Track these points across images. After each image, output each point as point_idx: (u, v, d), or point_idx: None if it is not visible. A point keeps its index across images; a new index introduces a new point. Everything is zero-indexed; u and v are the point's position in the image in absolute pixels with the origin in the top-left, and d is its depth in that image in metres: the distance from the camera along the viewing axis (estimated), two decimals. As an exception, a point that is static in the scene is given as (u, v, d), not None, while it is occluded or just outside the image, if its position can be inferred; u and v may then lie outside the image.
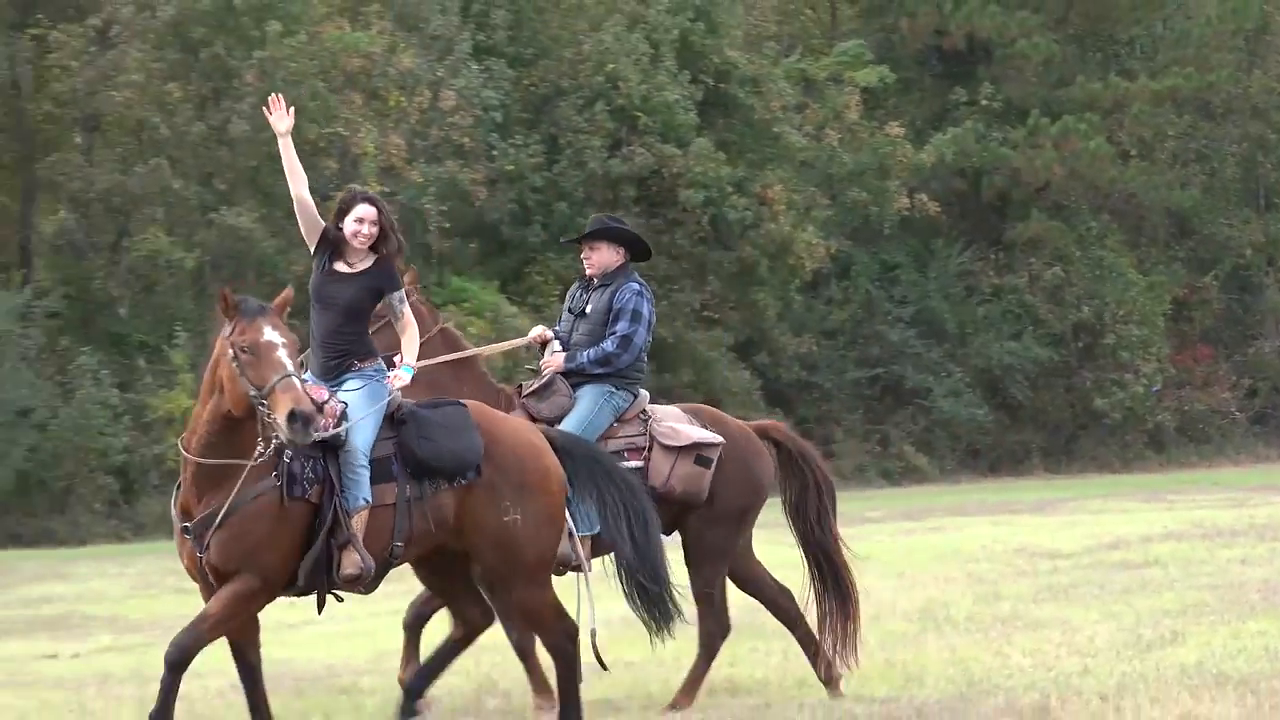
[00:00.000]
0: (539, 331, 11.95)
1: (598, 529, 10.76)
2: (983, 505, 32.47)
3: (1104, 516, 27.19)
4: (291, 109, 10.29)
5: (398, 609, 16.47)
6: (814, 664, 11.74)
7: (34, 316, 40.89)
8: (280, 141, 10.09)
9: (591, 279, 11.93)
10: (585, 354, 11.63)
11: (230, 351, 9.41)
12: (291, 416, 9.17)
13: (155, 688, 10.64)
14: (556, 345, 11.81)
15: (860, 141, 48.60)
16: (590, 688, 11.04)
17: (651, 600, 10.61)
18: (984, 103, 51.09)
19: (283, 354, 9.49)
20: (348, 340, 10.14)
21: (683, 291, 44.86)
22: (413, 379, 10.41)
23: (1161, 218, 52.67)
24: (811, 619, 11.86)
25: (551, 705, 10.83)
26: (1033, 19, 51.85)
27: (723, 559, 11.62)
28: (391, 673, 12.87)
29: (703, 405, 12.34)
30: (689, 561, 11.64)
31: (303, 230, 10.21)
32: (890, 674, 12.43)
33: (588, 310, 11.87)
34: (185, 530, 9.80)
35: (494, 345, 14.39)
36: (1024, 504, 31.71)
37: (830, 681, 11.54)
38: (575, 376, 11.73)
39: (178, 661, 9.60)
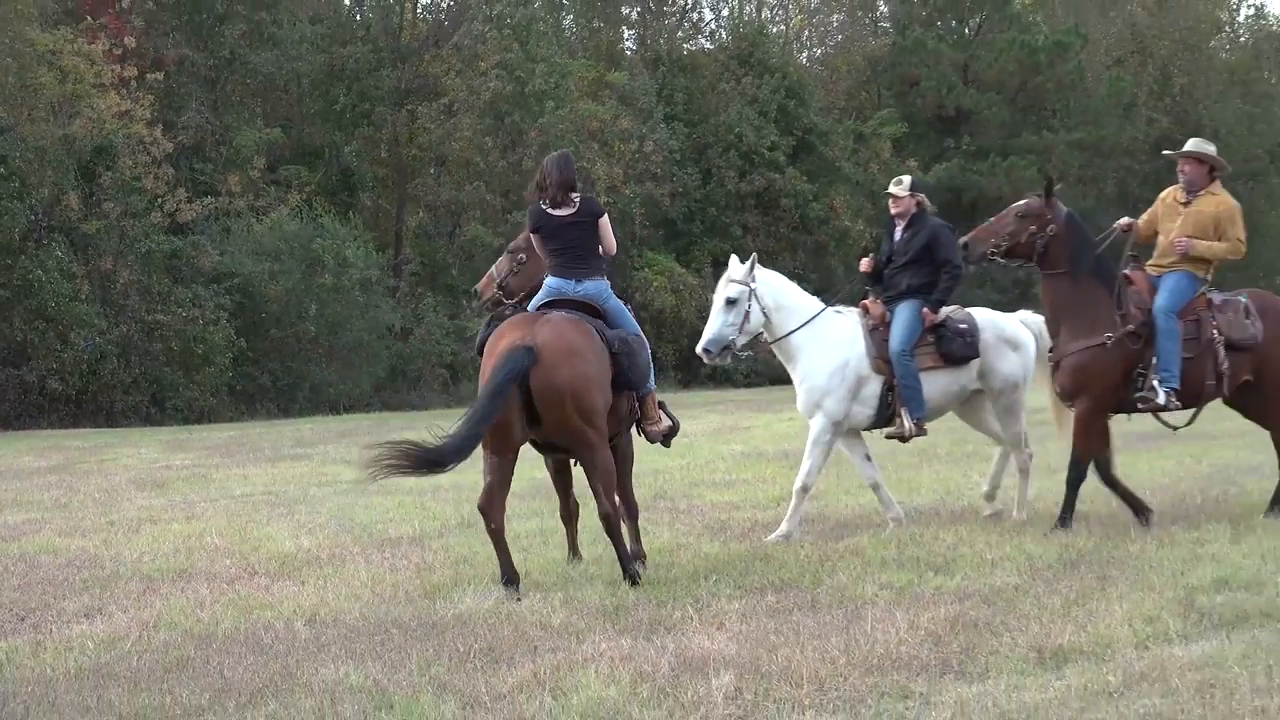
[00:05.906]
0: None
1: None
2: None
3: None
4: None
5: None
6: None
7: (402, 273, 47.24)
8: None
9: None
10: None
11: None
12: None
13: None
14: None
15: (891, 170, 55.20)
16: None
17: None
18: (964, 148, 61.46)
19: None
20: None
21: (783, 260, 53.54)
22: None
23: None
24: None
25: None
26: (996, 98, 61.97)
27: None
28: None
29: None
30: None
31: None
32: (901, 488, 13.96)
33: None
34: None
35: None
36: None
37: None
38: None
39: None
